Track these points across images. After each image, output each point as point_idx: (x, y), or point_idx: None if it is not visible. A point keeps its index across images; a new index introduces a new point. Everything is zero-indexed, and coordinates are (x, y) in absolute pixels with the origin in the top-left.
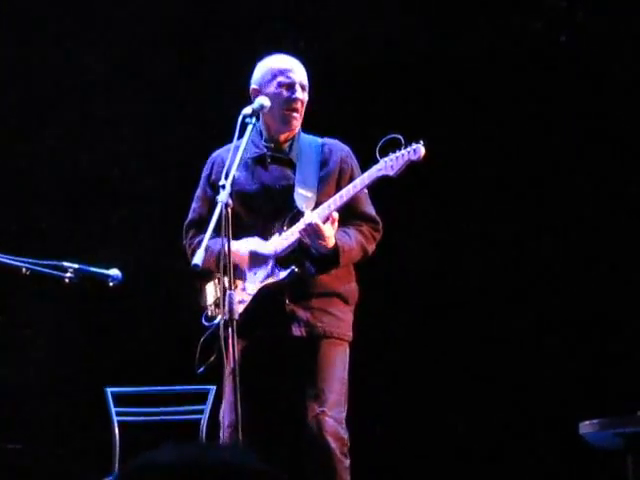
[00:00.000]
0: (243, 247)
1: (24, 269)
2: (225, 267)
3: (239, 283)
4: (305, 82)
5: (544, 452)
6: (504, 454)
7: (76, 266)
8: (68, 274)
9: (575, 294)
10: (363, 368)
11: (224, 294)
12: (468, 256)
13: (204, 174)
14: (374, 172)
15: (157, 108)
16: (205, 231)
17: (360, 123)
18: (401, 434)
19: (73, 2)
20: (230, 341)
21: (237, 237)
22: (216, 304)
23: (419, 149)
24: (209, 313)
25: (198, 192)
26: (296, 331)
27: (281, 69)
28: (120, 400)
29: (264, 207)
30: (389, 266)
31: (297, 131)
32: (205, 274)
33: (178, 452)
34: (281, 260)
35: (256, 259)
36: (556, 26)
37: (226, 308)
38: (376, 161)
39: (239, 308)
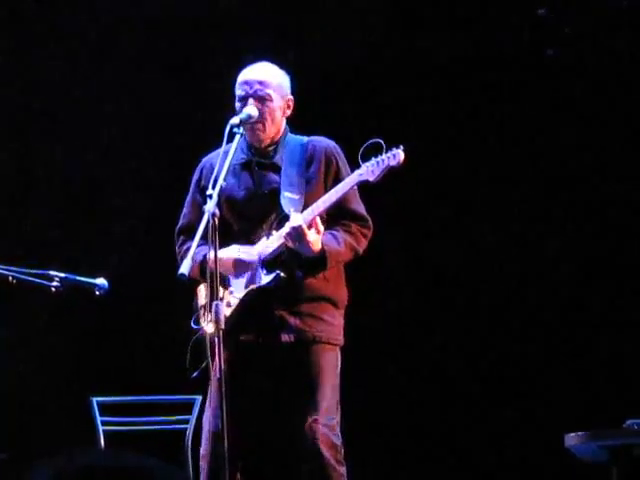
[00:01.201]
0: (226, 254)
1: (10, 278)
2: (212, 276)
3: (228, 287)
4: (262, 92)
5: (530, 464)
6: (490, 465)
7: (62, 275)
8: (54, 283)
9: (563, 305)
10: (356, 372)
11: (211, 304)
12: (459, 260)
13: (194, 179)
14: (355, 177)
15: (148, 121)
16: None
17: (347, 129)
18: (393, 437)
19: (65, 17)
20: (217, 350)
21: (226, 243)
22: (205, 307)
23: (398, 154)
24: (199, 316)
25: (188, 197)
26: (285, 337)
27: (239, 82)
28: (105, 409)
29: (251, 212)
30: (379, 267)
31: (282, 134)
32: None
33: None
34: (267, 264)
35: (241, 265)
36: (543, 39)
37: (213, 318)
38: (358, 166)
39: (226, 311)
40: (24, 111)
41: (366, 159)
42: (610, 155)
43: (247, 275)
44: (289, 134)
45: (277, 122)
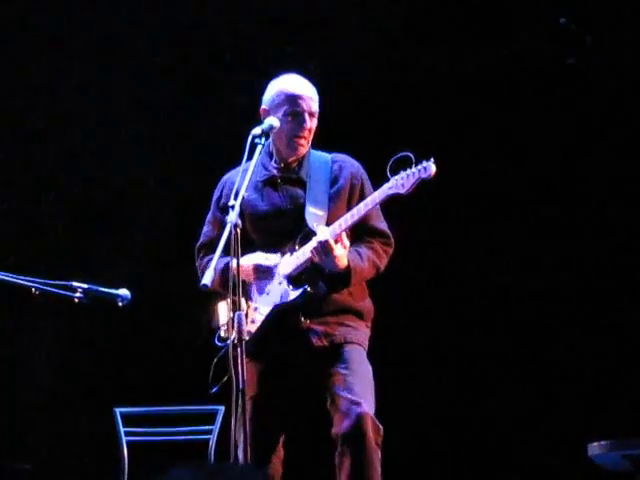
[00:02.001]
0: (246, 261)
1: (34, 289)
2: (235, 286)
3: (251, 303)
4: (314, 109)
5: (553, 473)
6: (513, 475)
7: (85, 286)
8: (77, 294)
9: (585, 311)
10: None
11: (233, 314)
12: (474, 271)
13: (214, 197)
14: (385, 190)
15: (164, 130)
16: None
17: (368, 141)
18: (416, 450)
19: (85, 24)
20: (239, 361)
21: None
22: (228, 325)
23: (430, 167)
24: (221, 333)
25: (209, 216)
26: (317, 342)
27: (290, 95)
28: (129, 420)
29: (276, 227)
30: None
31: (307, 150)
32: (217, 295)
33: (194, 471)
34: (293, 279)
35: (260, 271)
36: (565, 48)
37: (235, 329)
38: (387, 179)
39: (251, 328)
40: (41, 120)
41: (394, 172)
42: (630, 163)
43: (274, 289)
44: (311, 149)
45: None
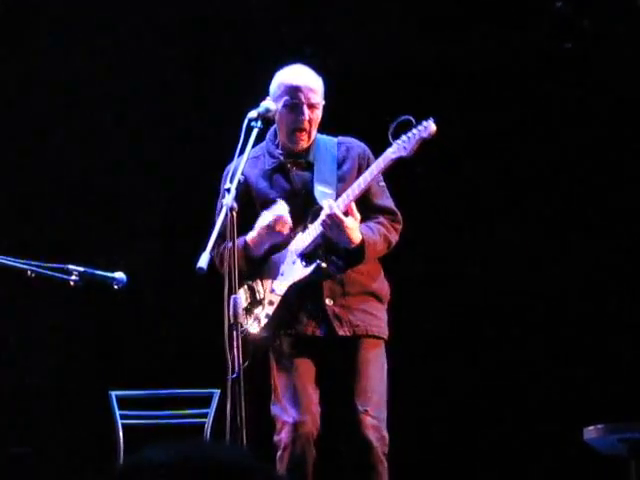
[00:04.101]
0: (260, 224)
1: (29, 272)
2: (230, 270)
3: (267, 285)
4: (314, 100)
5: (548, 457)
6: (508, 459)
7: (81, 269)
8: (73, 277)
9: (581, 299)
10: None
11: (229, 298)
12: (481, 261)
13: (222, 187)
14: (389, 155)
15: (163, 117)
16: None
17: (369, 129)
18: (413, 437)
19: (87, 19)
20: (235, 343)
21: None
22: (246, 310)
23: (430, 125)
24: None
25: (218, 206)
26: (340, 331)
27: (289, 86)
28: (124, 403)
29: (290, 212)
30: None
31: (309, 143)
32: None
33: (173, 450)
34: (306, 256)
35: (278, 224)
36: (561, 33)
37: (230, 312)
38: (389, 145)
39: (269, 310)
40: (39, 111)
41: (395, 138)
42: (629, 153)
43: (288, 268)
44: (317, 134)
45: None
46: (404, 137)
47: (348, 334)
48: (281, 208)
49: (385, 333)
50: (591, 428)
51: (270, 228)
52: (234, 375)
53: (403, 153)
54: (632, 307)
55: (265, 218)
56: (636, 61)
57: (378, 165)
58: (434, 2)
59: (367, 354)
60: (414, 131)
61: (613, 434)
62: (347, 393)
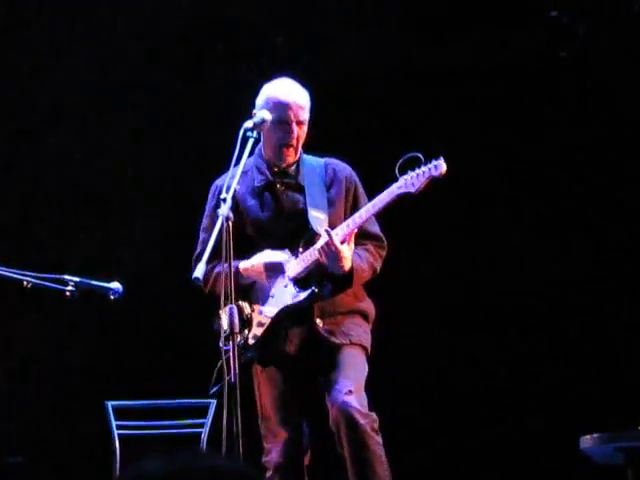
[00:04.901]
0: (256, 261)
1: (25, 282)
2: (227, 280)
3: (256, 307)
4: (302, 117)
5: (545, 466)
6: (504, 468)
7: (77, 279)
8: (69, 287)
9: (577, 309)
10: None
11: (226, 307)
12: (474, 270)
13: (209, 204)
14: (394, 190)
15: (160, 125)
16: (216, 259)
17: (362, 141)
18: (407, 444)
19: (77, 16)
20: (232, 354)
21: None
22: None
23: (440, 165)
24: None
25: (204, 222)
26: (335, 340)
27: (278, 103)
28: (121, 413)
29: (279, 232)
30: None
31: (300, 153)
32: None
33: (171, 462)
34: (298, 281)
35: (271, 267)
36: (557, 41)
37: (226, 321)
38: (395, 179)
39: (257, 331)
40: (34, 114)
41: (402, 172)
42: (625, 157)
43: (280, 291)
44: (303, 154)
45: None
46: (412, 173)
47: (345, 342)
48: (284, 257)
49: (368, 346)
50: (588, 437)
51: (266, 274)
52: (229, 379)
53: (411, 189)
54: (631, 315)
55: (265, 260)
56: (632, 70)
57: (382, 199)
58: (430, 10)
59: (351, 354)
60: (424, 169)
61: (610, 443)
62: (330, 381)
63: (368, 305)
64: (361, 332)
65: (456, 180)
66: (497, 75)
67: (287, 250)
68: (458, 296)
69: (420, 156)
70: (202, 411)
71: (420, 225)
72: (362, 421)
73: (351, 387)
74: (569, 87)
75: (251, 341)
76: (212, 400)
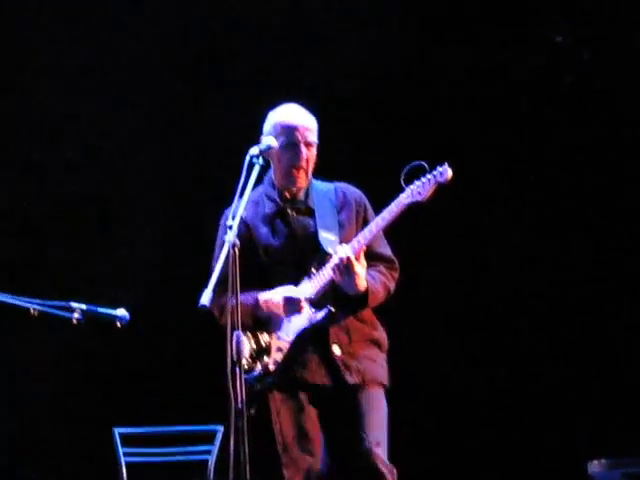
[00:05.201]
0: (276, 295)
1: (32, 309)
2: (234, 308)
3: (273, 334)
4: (310, 139)
5: None
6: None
7: (84, 307)
8: (76, 314)
9: (589, 332)
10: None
11: (232, 334)
12: (474, 271)
13: (220, 235)
14: (401, 201)
15: (167, 145)
16: (225, 288)
17: (366, 154)
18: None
19: (86, 32)
20: (238, 380)
21: (271, 289)
22: (251, 356)
23: (446, 171)
24: (245, 366)
25: (216, 253)
26: (350, 379)
27: (286, 126)
28: (128, 440)
29: (291, 257)
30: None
31: (307, 182)
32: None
33: None
34: (314, 302)
35: (290, 303)
36: (562, 66)
37: (233, 348)
38: (402, 190)
39: (277, 356)
40: (38, 133)
41: (408, 182)
42: (625, 157)
43: (296, 315)
44: (312, 179)
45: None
46: (418, 182)
47: (357, 382)
48: (303, 292)
49: (387, 380)
50: (595, 462)
51: (285, 308)
52: (240, 406)
53: (418, 198)
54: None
55: (286, 294)
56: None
57: (391, 211)
58: (434, 25)
59: (373, 398)
60: (429, 176)
61: (617, 469)
62: (354, 433)
63: (381, 334)
64: (377, 367)
65: (456, 181)
66: (497, 75)
67: (306, 280)
68: (458, 297)
69: (424, 164)
70: (209, 437)
71: (420, 226)
72: (389, 476)
73: (379, 439)
74: (574, 112)
75: (272, 367)
76: (219, 427)
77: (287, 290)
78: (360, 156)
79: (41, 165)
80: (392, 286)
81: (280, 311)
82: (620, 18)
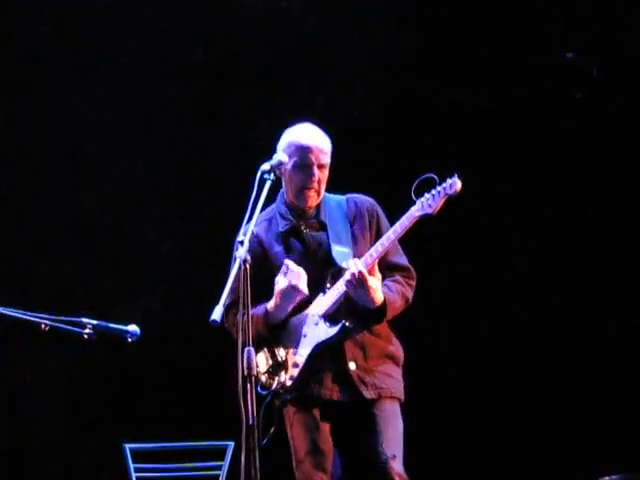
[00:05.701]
0: (281, 282)
1: (43, 325)
2: (245, 322)
3: (290, 349)
4: (324, 161)
5: None
6: None
7: (95, 322)
8: (87, 330)
9: (601, 347)
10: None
11: (243, 350)
12: (475, 272)
13: (234, 254)
14: (413, 214)
15: (176, 165)
16: (237, 305)
17: (380, 175)
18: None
19: (86, 32)
20: (249, 395)
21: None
22: (269, 372)
23: (455, 183)
24: (263, 382)
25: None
26: (367, 394)
27: (300, 147)
28: (138, 456)
29: (307, 274)
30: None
31: (318, 201)
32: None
33: None
34: (330, 317)
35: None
36: (572, 82)
37: (244, 364)
38: (412, 203)
39: (293, 372)
40: (46, 151)
41: (418, 195)
42: (625, 157)
43: (311, 330)
44: (325, 193)
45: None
46: (428, 195)
47: (374, 397)
48: (291, 265)
49: (402, 395)
50: (606, 478)
51: (287, 290)
52: (250, 422)
53: (428, 211)
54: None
55: (281, 283)
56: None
57: (402, 224)
58: (441, 51)
59: (389, 413)
60: (439, 188)
61: None
62: (372, 448)
63: (398, 348)
64: (393, 382)
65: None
66: (513, 116)
67: (290, 261)
68: (458, 298)
69: (434, 177)
70: (220, 453)
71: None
72: None
73: (395, 451)
74: (586, 128)
75: (289, 382)
76: (230, 442)
77: (281, 280)
78: (371, 170)
79: (53, 179)
80: (410, 295)
81: (290, 297)
82: (620, 18)
